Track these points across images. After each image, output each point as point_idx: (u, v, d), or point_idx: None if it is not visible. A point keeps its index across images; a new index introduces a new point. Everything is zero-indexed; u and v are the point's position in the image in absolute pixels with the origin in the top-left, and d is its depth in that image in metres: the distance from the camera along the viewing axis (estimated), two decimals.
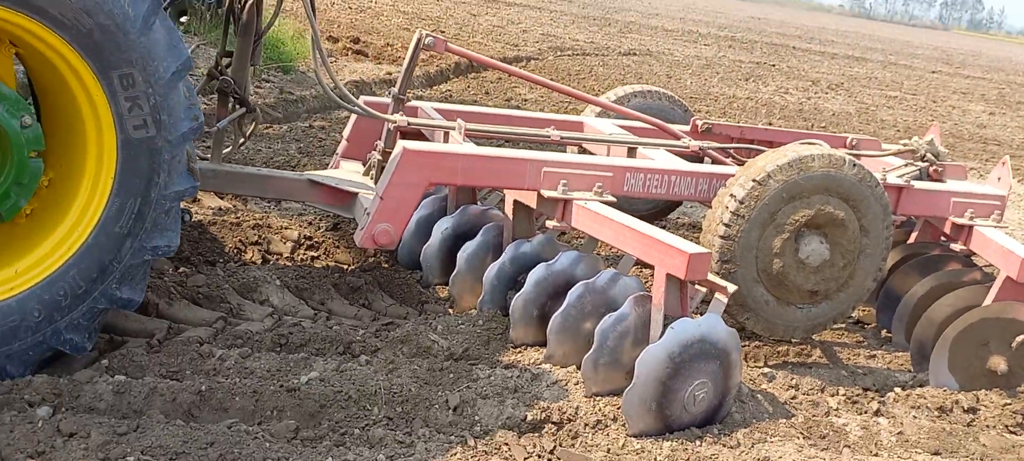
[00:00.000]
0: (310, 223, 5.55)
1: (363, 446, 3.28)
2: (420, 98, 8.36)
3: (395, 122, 4.70)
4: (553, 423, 3.65)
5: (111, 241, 3.44)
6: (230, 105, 4.58)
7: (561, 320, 4.03)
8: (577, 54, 19.40)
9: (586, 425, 3.67)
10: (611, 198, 4.34)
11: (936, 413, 4.26)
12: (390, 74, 12.33)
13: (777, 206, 4.27)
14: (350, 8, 21.30)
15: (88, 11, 3.17)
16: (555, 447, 3.48)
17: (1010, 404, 4.36)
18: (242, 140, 4.80)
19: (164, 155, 3.48)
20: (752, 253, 4.31)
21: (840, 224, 4.38)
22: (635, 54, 21.34)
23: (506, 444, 3.44)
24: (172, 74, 3.43)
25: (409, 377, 3.79)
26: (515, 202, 4.57)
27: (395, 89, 4.91)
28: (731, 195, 4.30)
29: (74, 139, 3.42)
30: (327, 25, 16.41)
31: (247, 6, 4.47)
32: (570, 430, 3.63)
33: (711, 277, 3.91)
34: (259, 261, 4.97)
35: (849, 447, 3.82)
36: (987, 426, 4.22)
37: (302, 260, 5.10)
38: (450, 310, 4.60)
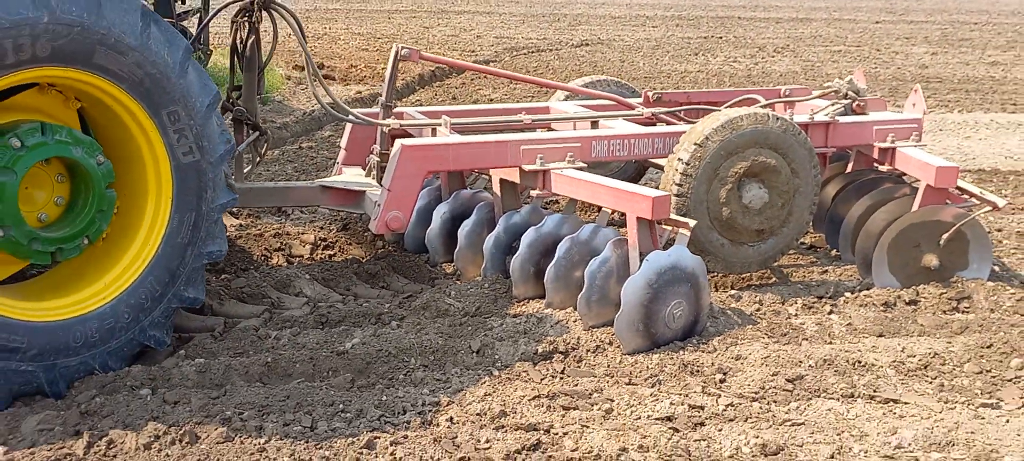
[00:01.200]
0: (322, 227, 6.25)
1: (409, 386, 3.98)
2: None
3: (388, 126, 5.41)
4: (560, 352, 4.36)
5: (176, 250, 4.12)
6: (245, 131, 5.26)
7: (554, 271, 4.75)
8: (532, 52, 20.15)
9: (588, 350, 4.39)
10: (582, 164, 5.06)
11: (882, 308, 5.01)
12: (360, 93, 13.02)
13: (718, 162, 5.02)
14: (308, 37, 21.85)
15: (139, 64, 3.84)
16: (564, 369, 4.20)
17: (945, 292, 5.12)
18: (258, 159, 5.48)
19: (208, 174, 4.17)
20: (703, 205, 5.05)
21: (773, 170, 5.12)
22: (588, 44, 22.10)
23: (524, 371, 4.15)
24: (207, 106, 4.12)
25: (435, 333, 4.49)
26: (501, 180, 5.29)
27: (382, 98, 5.61)
28: (678, 159, 5.04)
29: (135, 169, 4.09)
30: (289, 55, 17.05)
31: (248, 44, 5.15)
32: (575, 356, 4.35)
33: (673, 217, 4.65)
34: (285, 263, 5.65)
35: (807, 340, 4.56)
36: (926, 311, 4.98)
37: (322, 258, 5.78)
38: (458, 280, 5.30)
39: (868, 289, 5.26)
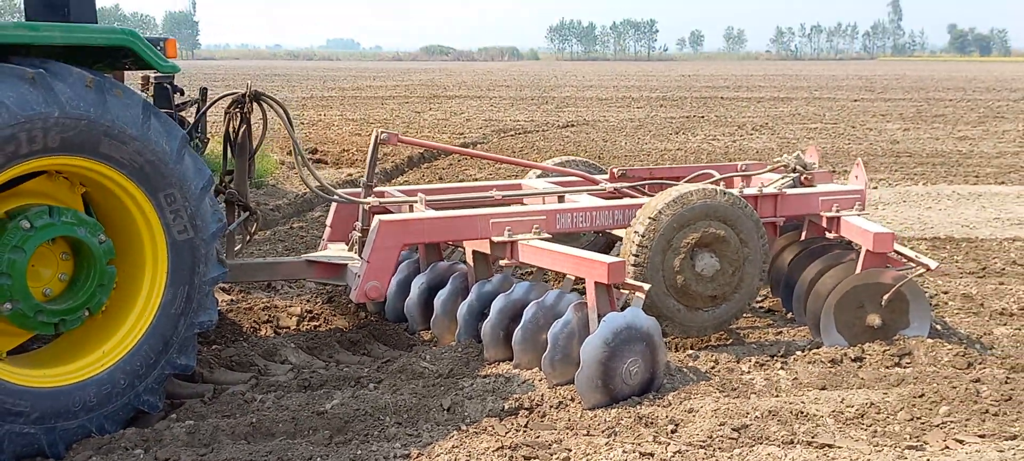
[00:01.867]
0: (308, 300, 6.63)
1: (383, 441, 4.33)
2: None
3: (368, 204, 5.84)
4: (525, 408, 4.71)
5: (169, 320, 4.50)
6: (236, 212, 5.68)
7: (521, 334, 5.13)
8: (519, 133, 20.78)
9: (551, 406, 4.74)
10: (547, 235, 5.48)
11: (828, 363, 5.38)
12: (350, 176, 13.52)
13: (671, 234, 5.45)
14: (303, 124, 22.55)
15: (140, 152, 4.27)
16: (528, 423, 4.55)
17: (888, 349, 5.50)
18: (248, 238, 5.89)
19: (201, 250, 4.57)
20: (659, 273, 5.47)
21: (723, 240, 5.55)
22: (573, 125, 22.78)
23: (490, 426, 4.49)
24: (201, 189, 4.54)
25: (409, 394, 4.85)
26: (473, 251, 5.71)
27: (363, 179, 6.05)
28: (635, 231, 5.47)
29: (133, 246, 4.49)
30: (284, 142, 17.62)
31: (240, 132, 5.61)
32: (539, 411, 4.70)
33: (632, 281, 5.05)
34: (272, 334, 6.02)
35: (755, 394, 4.93)
36: (869, 366, 5.35)
37: (307, 328, 6.15)
38: (434, 346, 5.67)
39: (818, 348, 5.63)
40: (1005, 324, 6.17)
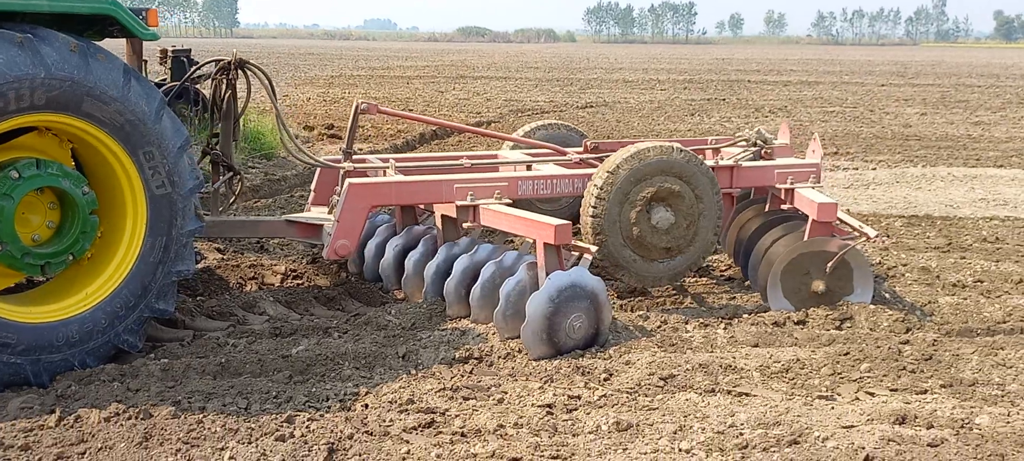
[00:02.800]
0: (294, 261, 7.05)
1: (338, 381, 4.73)
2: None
3: (345, 169, 6.23)
4: (475, 358, 5.09)
5: (148, 268, 4.93)
6: (222, 171, 6.10)
7: (479, 291, 5.50)
8: (537, 113, 21.08)
9: (499, 356, 5.12)
10: (508, 201, 5.83)
11: (771, 326, 5.70)
12: (360, 150, 13.92)
13: (628, 187, 5.78)
14: (325, 101, 23.00)
15: (120, 112, 4.69)
16: (473, 370, 4.93)
17: (831, 313, 5.81)
18: (233, 198, 6.31)
19: (179, 205, 4.98)
20: (616, 225, 5.80)
21: (678, 195, 5.87)
22: (591, 106, 23.04)
23: (438, 372, 4.88)
24: (178, 148, 4.95)
25: (370, 342, 5.25)
26: (442, 215, 6.08)
27: (343, 145, 6.45)
28: (594, 184, 5.81)
29: (115, 199, 4.92)
30: (305, 117, 18.12)
31: (226, 97, 6.01)
32: (487, 361, 5.07)
33: (580, 243, 5.40)
34: (256, 289, 6.44)
35: (691, 349, 5.26)
36: (808, 328, 5.66)
37: (289, 285, 6.57)
38: (403, 302, 6.06)
39: (766, 312, 5.94)
40: (953, 295, 6.43)
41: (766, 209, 7.01)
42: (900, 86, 32.76)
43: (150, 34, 5.02)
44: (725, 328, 5.64)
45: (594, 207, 5.77)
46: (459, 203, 5.82)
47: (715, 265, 7.34)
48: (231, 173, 6.12)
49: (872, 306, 5.87)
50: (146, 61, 12.58)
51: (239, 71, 6.08)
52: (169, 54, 12.94)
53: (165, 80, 13.00)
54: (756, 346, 5.31)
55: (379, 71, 40.91)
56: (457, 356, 5.07)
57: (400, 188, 5.81)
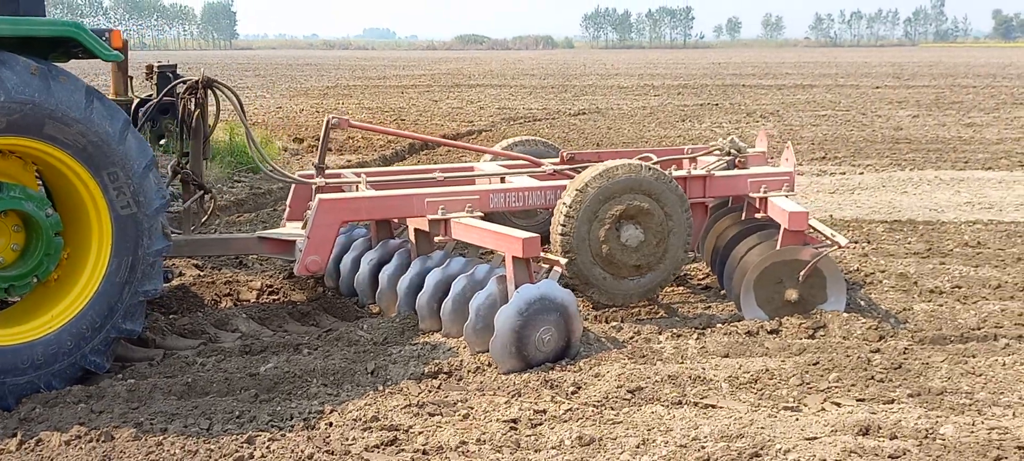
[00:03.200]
0: (271, 276, 7.04)
1: (304, 399, 4.72)
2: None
3: (317, 184, 6.23)
4: (444, 373, 5.08)
5: (114, 288, 4.92)
6: (192, 190, 6.09)
7: (450, 305, 5.49)
8: (528, 121, 21.10)
9: (469, 371, 5.10)
10: (480, 214, 5.82)
11: (743, 335, 5.68)
12: (350, 161, 13.95)
13: (596, 206, 5.77)
14: (318, 112, 23.00)
15: (83, 133, 4.68)
16: (441, 385, 4.91)
17: (804, 322, 5.80)
18: (205, 217, 6.31)
19: (144, 225, 4.97)
20: (585, 243, 5.80)
21: (647, 213, 5.86)
22: (584, 113, 23.05)
23: (406, 388, 4.86)
24: (143, 168, 4.95)
25: (340, 359, 5.24)
26: (415, 229, 6.07)
27: (316, 160, 6.45)
28: (563, 203, 5.80)
29: (80, 220, 4.91)
30: (296, 129, 18.13)
31: (195, 116, 6.01)
32: (457, 375, 5.06)
33: (550, 255, 5.40)
34: (231, 306, 6.43)
35: (661, 361, 5.24)
36: (781, 337, 5.64)
37: (265, 301, 6.57)
38: (376, 317, 6.05)
39: (739, 321, 5.93)
40: (929, 301, 6.41)
41: (742, 218, 7.00)
42: (895, 88, 32.77)
43: (114, 55, 5.02)
44: (697, 338, 5.62)
45: (563, 225, 5.77)
46: (430, 217, 5.82)
47: (692, 274, 7.33)
48: (202, 192, 6.11)
49: (846, 314, 5.86)
50: (132, 77, 12.62)
51: (207, 90, 6.06)
52: (154, 70, 12.94)
53: (151, 96, 13.03)
54: (726, 356, 5.30)
55: (375, 81, 40.99)
56: (426, 371, 5.06)
57: (371, 203, 5.81)
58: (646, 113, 22.97)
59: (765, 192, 6.38)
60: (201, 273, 7.09)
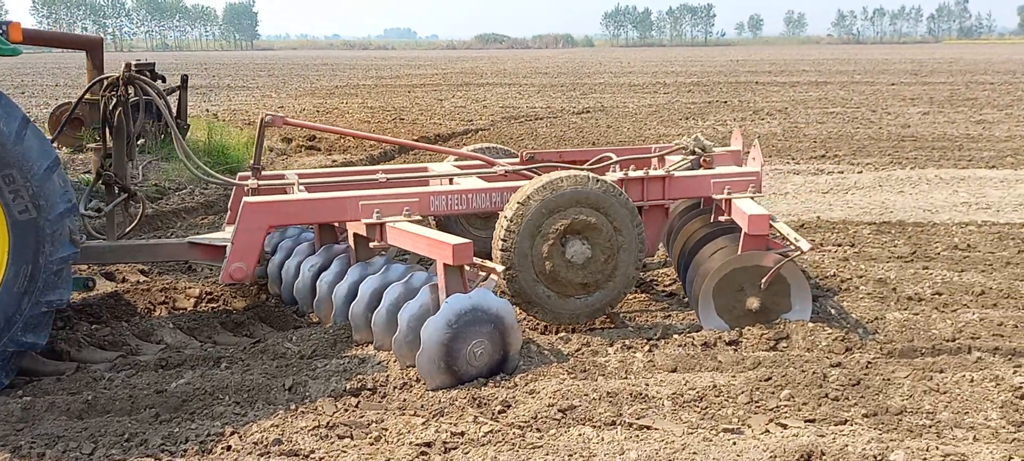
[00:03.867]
0: (214, 282, 6.71)
1: (208, 420, 4.37)
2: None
3: (249, 186, 5.89)
4: (368, 389, 4.72)
5: (12, 298, 4.60)
6: (116, 193, 5.76)
7: (382, 315, 5.13)
8: (528, 119, 20.72)
9: (395, 387, 4.74)
10: (418, 218, 5.46)
11: (699, 347, 5.28)
12: (335, 161, 13.64)
13: (539, 220, 5.38)
14: (319, 112, 22.76)
15: None
16: (360, 403, 4.55)
17: (766, 333, 5.39)
18: (134, 222, 5.99)
19: (46, 230, 4.65)
20: (528, 259, 5.41)
21: (594, 228, 5.46)
22: (588, 112, 22.63)
23: (321, 406, 4.50)
24: (45, 169, 4.62)
25: (260, 374, 4.89)
26: (354, 234, 5.72)
27: (252, 161, 6.11)
28: (504, 216, 5.43)
29: None
30: (288, 129, 17.81)
31: (117, 114, 5.68)
32: (380, 392, 4.70)
33: (487, 262, 5.03)
34: (165, 314, 6.11)
35: (604, 376, 4.86)
36: (740, 349, 5.24)
37: (202, 310, 6.23)
38: (310, 327, 5.70)
39: (698, 331, 5.53)
40: (905, 309, 5.98)
41: (711, 220, 6.60)
42: (911, 85, 32.11)
43: (10, 50, 4.70)
44: (647, 351, 5.23)
45: (504, 239, 5.39)
46: (366, 221, 5.46)
47: (658, 279, 6.94)
48: (126, 195, 5.78)
49: (811, 324, 5.45)
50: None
51: (132, 87, 5.73)
52: (131, 68, 12.67)
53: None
54: (674, 371, 4.91)
55: (386, 80, 40.75)
56: (348, 387, 4.71)
57: (301, 206, 5.46)
58: (651, 111, 22.52)
59: (729, 194, 5.97)
60: (148, 278, 6.78)
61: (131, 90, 5.76)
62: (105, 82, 5.69)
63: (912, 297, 6.23)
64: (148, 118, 12.38)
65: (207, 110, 23.06)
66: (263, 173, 6.19)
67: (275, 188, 6.06)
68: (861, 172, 12.18)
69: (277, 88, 34.83)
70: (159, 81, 13.24)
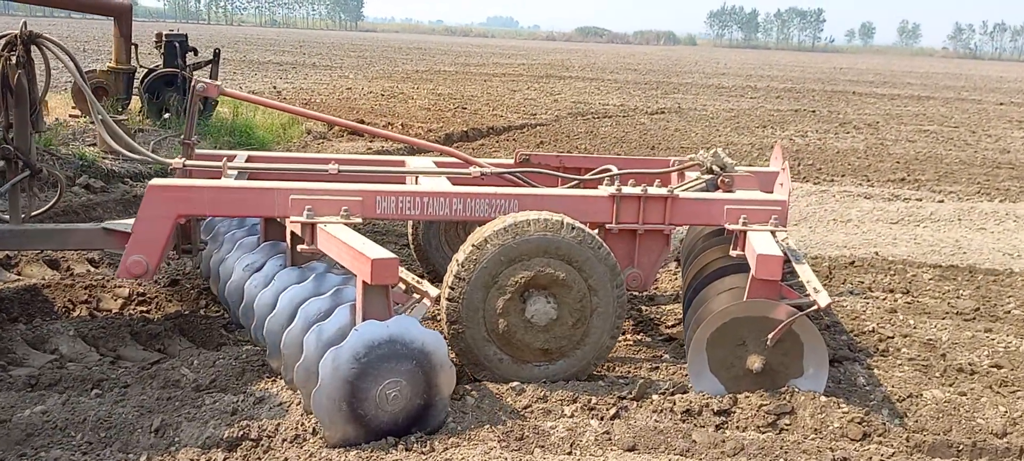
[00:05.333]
0: (154, 279, 5.93)
1: None
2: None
3: (174, 167, 5.09)
4: (251, 440, 3.86)
5: None
6: (17, 169, 5.00)
7: (293, 335, 4.21)
8: (595, 117, 19.66)
9: (284, 440, 3.87)
10: (358, 220, 4.53)
11: (678, 416, 4.26)
12: (370, 147, 12.89)
13: (497, 269, 4.41)
14: (383, 96, 22.15)
15: None
16: (227, 458, 3.69)
17: (766, 404, 4.33)
18: (53, 204, 5.24)
19: None
20: (478, 314, 4.45)
21: (563, 284, 4.46)
22: (661, 113, 21.45)
23: (190, 459, 3.67)
24: None
25: (133, 407, 4.07)
26: (290, 233, 4.87)
27: (183, 136, 5.33)
28: (455, 260, 4.48)
29: None
30: (346, 112, 17.17)
31: (16, 77, 4.88)
32: (265, 446, 3.83)
33: (422, 283, 4.11)
34: (88, 316, 5.36)
35: (542, 447, 3.89)
36: (730, 426, 4.21)
37: (131, 314, 5.47)
38: (209, 351, 4.87)
39: (684, 393, 4.52)
40: (951, 385, 4.84)
41: (729, 252, 5.54)
42: (1021, 106, 29.83)
43: None
44: (611, 417, 4.23)
45: (452, 288, 4.44)
46: (294, 218, 4.57)
47: (664, 317, 5.90)
48: (27, 172, 5.01)
49: (825, 398, 4.37)
50: (136, 45, 11.82)
51: (33, 49, 4.91)
52: (163, 38, 12.14)
53: (158, 66, 12.23)
54: (631, 451, 3.90)
55: (468, 69, 40.02)
56: (226, 436, 3.85)
57: (216, 194, 4.57)
58: (729, 116, 21.20)
59: (744, 224, 4.90)
60: (91, 270, 6.05)
61: (43, 54, 4.95)
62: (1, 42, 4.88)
63: (963, 369, 5.06)
64: (174, 92, 11.82)
65: (274, 87, 22.62)
66: (211, 154, 5.40)
67: (208, 170, 5.24)
68: (941, 201, 10.81)
69: (358, 70, 34.43)
70: (190, 54, 12.70)
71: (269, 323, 4.48)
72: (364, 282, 3.97)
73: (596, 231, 4.77)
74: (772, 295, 4.54)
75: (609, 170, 5.46)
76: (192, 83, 5.22)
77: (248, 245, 5.41)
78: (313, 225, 4.53)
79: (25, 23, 4.85)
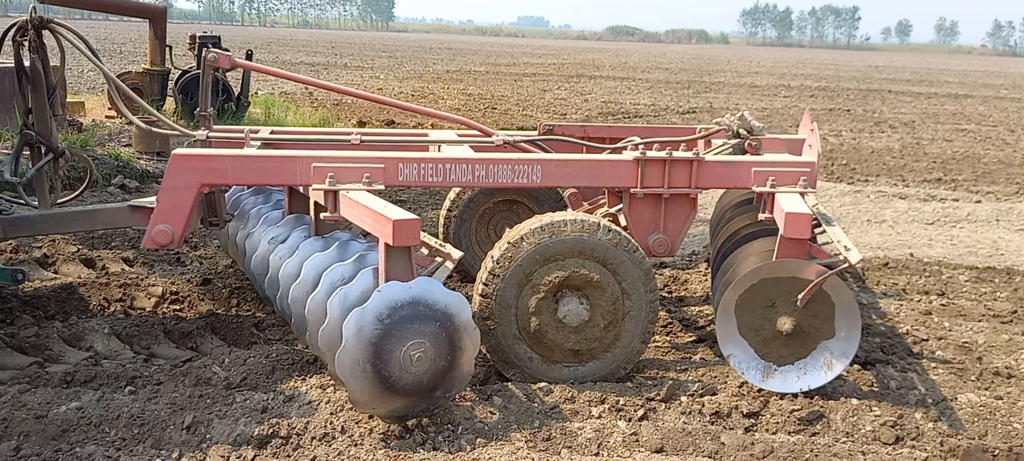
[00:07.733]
0: (186, 279, 6.00)
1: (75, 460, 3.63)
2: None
3: (196, 139, 5.14)
4: (280, 437, 3.89)
5: None
6: (41, 154, 5.05)
7: (317, 301, 4.19)
8: (626, 116, 19.60)
9: (313, 438, 3.90)
10: (380, 187, 4.52)
11: (707, 418, 4.24)
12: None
13: (531, 267, 4.41)
14: (413, 95, 22.22)
15: None
16: (256, 457, 3.72)
17: (797, 410, 4.29)
18: (82, 187, 5.30)
19: None
20: (511, 311, 4.46)
21: (597, 286, 4.45)
22: (692, 112, 21.32)
23: (222, 456, 3.70)
24: None
25: (165, 404, 4.12)
26: (313, 203, 4.89)
27: (199, 108, 5.40)
28: (490, 256, 4.48)
29: None
30: (376, 112, 17.25)
31: (31, 65, 4.89)
32: (294, 443, 3.86)
33: (445, 246, 4.12)
34: (123, 315, 5.42)
35: (569, 448, 3.89)
36: (757, 429, 4.18)
37: (164, 313, 5.53)
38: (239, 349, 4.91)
39: (714, 394, 4.49)
40: (987, 389, 4.77)
41: (758, 217, 5.43)
42: None
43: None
44: (639, 418, 4.22)
45: (486, 284, 4.44)
46: (316, 186, 4.56)
47: (692, 320, 5.86)
48: (52, 155, 5.05)
49: (857, 402, 4.33)
50: (171, 47, 11.95)
51: (46, 34, 4.93)
52: (197, 40, 12.27)
53: (192, 67, 12.36)
54: (659, 452, 3.89)
55: (500, 68, 40.06)
56: (256, 433, 3.88)
57: (240, 163, 4.53)
58: (761, 115, 21.01)
59: (772, 186, 4.83)
60: (126, 269, 6.13)
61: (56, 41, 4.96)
62: (14, 29, 4.89)
63: (999, 373, 4.99)
64: (218, 98, 11.92)
65: (306, 89, 22.78)
66: (235, 128, 5.46)
67: (229, 141, 5.27)
68: (979, 202, 10.65)
69: (389, 70, 34.59)
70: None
71: (294, 291, 4.51)
72: (386, 243, 3.97)
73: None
74: (801, 255, 4.50)
75: (634, 140, 5.41)
76: (204, 56, 5.28)
77: (273, 219, 5.45)
78: (335, 192, 4.51)
79: (34, 8, 4.87)
